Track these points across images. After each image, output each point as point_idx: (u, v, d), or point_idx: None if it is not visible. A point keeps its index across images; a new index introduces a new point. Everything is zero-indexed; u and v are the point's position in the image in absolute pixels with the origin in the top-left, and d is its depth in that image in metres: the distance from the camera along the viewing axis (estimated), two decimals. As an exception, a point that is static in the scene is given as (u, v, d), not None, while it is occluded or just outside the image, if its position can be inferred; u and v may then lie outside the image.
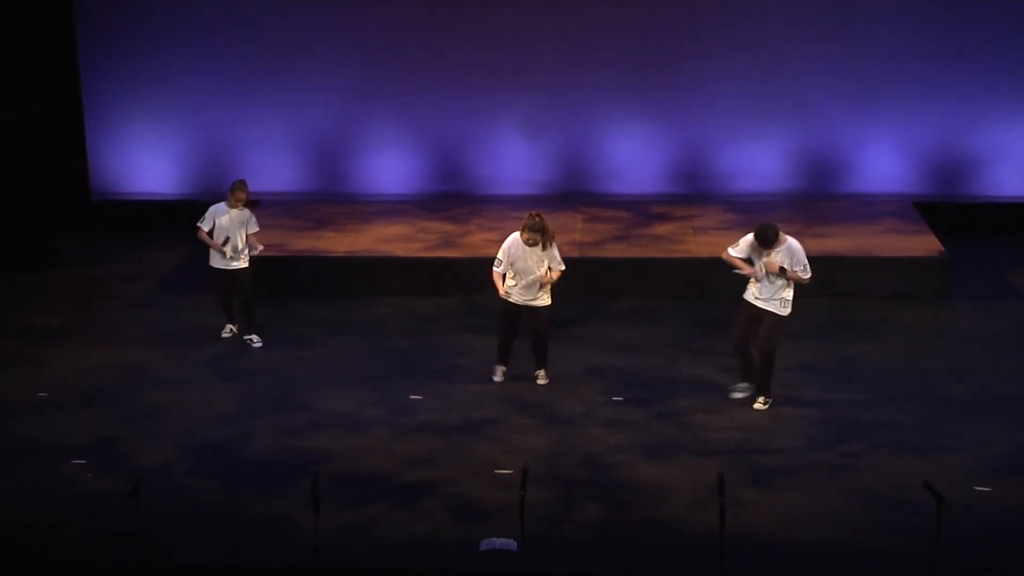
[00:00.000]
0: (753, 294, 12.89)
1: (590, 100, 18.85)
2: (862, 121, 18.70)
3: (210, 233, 14.55)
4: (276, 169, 19.20)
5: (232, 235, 14.57)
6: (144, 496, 10.14)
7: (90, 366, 14.31)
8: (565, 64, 18.72)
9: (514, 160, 19.11)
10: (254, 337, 14.73)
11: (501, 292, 13.37)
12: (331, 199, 18.99)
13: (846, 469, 11.78)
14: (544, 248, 13.24)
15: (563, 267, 13.37)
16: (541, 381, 13.66)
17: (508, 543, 10.33)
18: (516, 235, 13.29)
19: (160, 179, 19.29)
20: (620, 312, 15.82)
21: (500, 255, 13.37)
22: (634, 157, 19.00)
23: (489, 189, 19.06)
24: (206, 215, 14.60)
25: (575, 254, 16.13)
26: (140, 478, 10.28)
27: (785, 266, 12.62)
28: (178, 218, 17.97)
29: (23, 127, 18.08)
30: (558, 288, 13.50)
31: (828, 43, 18.50)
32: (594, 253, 16.62)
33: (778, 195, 18.65)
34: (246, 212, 14.65)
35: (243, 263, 14.67)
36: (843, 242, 16.80)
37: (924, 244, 16.67)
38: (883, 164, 18.77)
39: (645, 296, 16.21)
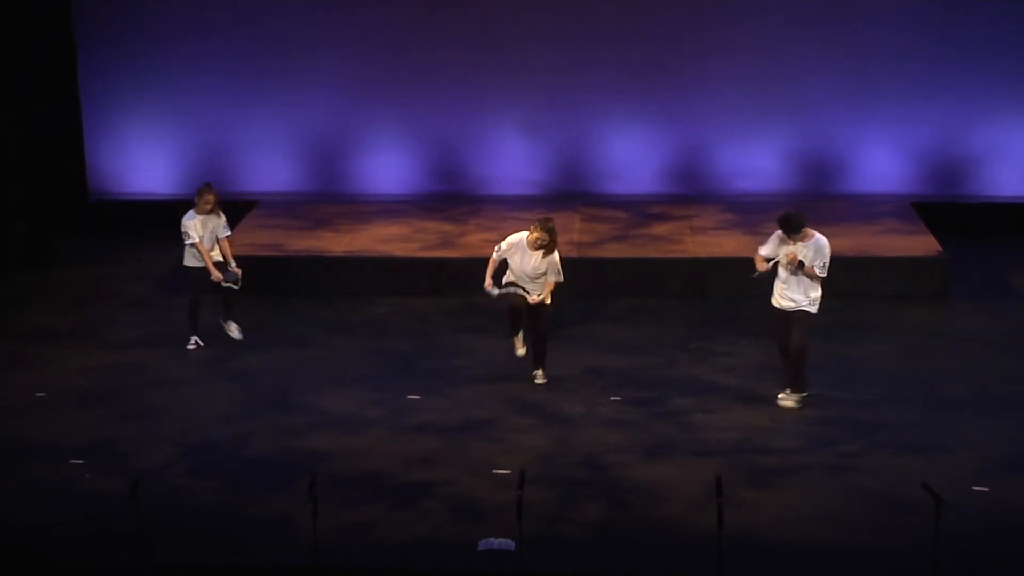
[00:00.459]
0: (780, 300, 12.85)
1: (588, 100, 18.85)
2: (861, 121, 18.70)
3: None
4: (274, 169, 19.20)
5: (205, 241, 14.46)
6: (143, 496, 10.14)
7: (89, 366, 14.31)
8: (563, 64, 18.72)
9: (512, 160, 19.10)
10: (233, 325, 14.69)
11: (487, 283, 13.28)
12: (330, 199, 18.99)
13: (845, 469, 11.78)
14: (546, 254, 13.21)
15: (561, 278, 13.34)
16: (539, 381, 13.66)
17: (507, 543, 10.33)
18: (523, 235, 13.27)
19: (159, 179, 19.27)
20: (619, 312, 15.82)
21: (503, 244, 13.34)
22: (632, 157, 18.99)
23: (487, 189, 19.06)
24: (186, 230, 14.39)
25: (573, 254, 16.13)
26: (139, 478, 10.28)
27: (806, 261, 12.60)
28: (177, 218, 17.97)
29: (22, 127, 18.07)
30: (557, 288, 13.49)
31: (827, 43, 18.49)
32: (592, 253, 16.63)
33: (777, 195, 18.63)
34: (219, 217, 14.54)
35: (219, 258, 14.62)
36: (842, 242, 16.73)
37: (923, 244, 16.68)
38: (882, 164, 18.77)
39: (644, 296, 16.21)
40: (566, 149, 19.07)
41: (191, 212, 14.50)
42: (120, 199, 19.32)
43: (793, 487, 11.49)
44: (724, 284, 16.19)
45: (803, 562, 10.34)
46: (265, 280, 16.36)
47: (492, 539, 10.37)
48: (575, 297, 15.47)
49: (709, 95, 18.72)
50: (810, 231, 12.70)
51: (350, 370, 14.15)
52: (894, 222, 17.55)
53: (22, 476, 11.83)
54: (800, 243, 12.66)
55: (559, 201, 18.40)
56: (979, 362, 14.17)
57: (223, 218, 14.63)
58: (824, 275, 12.70)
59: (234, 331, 14.77)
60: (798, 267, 12.63)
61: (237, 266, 14.61)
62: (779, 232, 12.74)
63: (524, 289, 13.33)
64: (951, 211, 18.32)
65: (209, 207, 14.46)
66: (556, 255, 13.29)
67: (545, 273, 13.26)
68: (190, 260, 14.59)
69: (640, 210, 18.21)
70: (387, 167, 19.20)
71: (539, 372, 13.69)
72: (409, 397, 13.39)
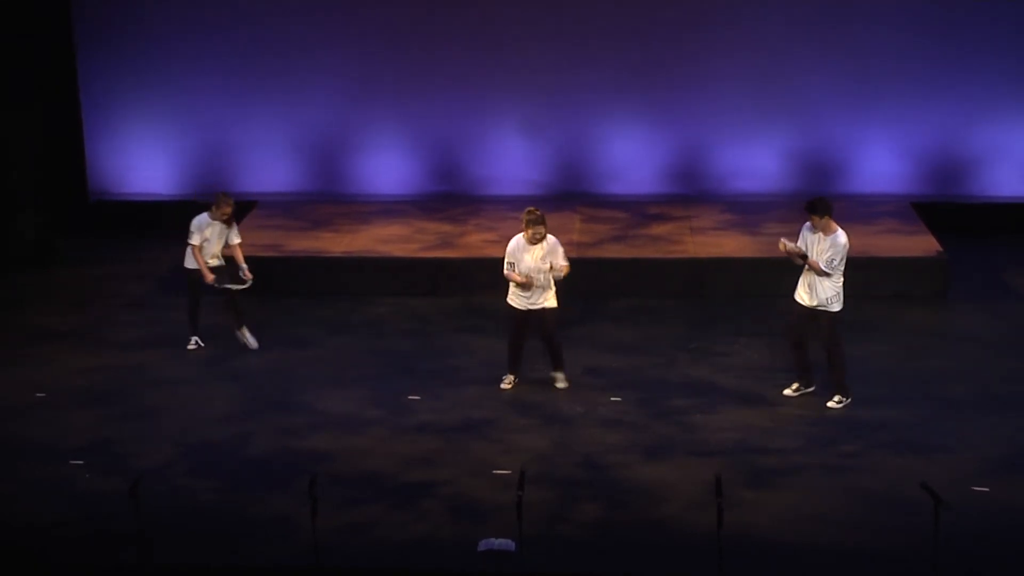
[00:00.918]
0: (803, 296, 12.89)
1: (588, 100, 18.85)
2: (861, 121, 18.70)
3: (201, 247, 14.48)
4: (274, 169, 19.20)
5: (213, 246, 14.47)
6: (143, 496, 10.13)
7: (89, 366, 14.31)
8: (563, 64, 18.72)
9: (512, 160, 19.10)
10: (248, 337, 14.67)
11: (520, 279, 13.24)
12: (329, 199, 18.99)
13: (845, 469, 11.78)
14: (544, 242, 13.16)
15: (567, 262, 13.31)
16: (560, 384, 13.57)
17: (507, 543, 10.33)
18: (517, 237, 13.25)
19: (158, 179, 19.28)
20: (619, 312, 15.82)
21: (507, 258, 13.28)
22: (632, 157, 19.00)
23: (487, 189, 19.06)
24: (193, 230, 14.42)
25: (573, 254, 16.06)
26: (139, 478, 10.27)
27: (824, 257, 12.63)
28: (177, 218, 17.96)
29: (22, 127, 18.06)
30: (558, 287, 13.48)
31: (827, 43, 18.49)
32: (592, 253, 16.62)
33: (777, 195, 18.64)
34: (231, 223, 14.56)
35: (220, 261, 14.59)
36: (842, 242, 16.79)
37: (923, 244, 16.68)
38: (882, 164, 18.77)
39: (643, 296, 16.21)
40: (566, 149, 19.07)
41: (205, 215, 14.47)
42: (120, 199, 19.33)
43: (793, 487, 11.49)
44: (724, 284, 16.20)
45: (803, 562, 10.35)
46: (265, 280, 16.34)
47: (492, 539, 10.37)
48: (575, 297, 15.45)
49: (709, 95, 18.72)
50: (834, 225, 12.77)
51: (350, 370, 14.15)
52: (894, 222, 17.55)
53: (22, 476, 11.84)
54: (821, 235, 12.70)
55: (559, 201, 18.39)
56: (979, 362, 14.17)
57: (234, 224, 14.61)
58: (830, 272, 12.71)
59: (250, 340, 14.69)
60: (802, 258, 12.67)
61: (248, 271, 14.56)
62: (807, 225, 12.80)
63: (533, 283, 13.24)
64: (951, 211, 18.32)
65: (225, 217, 14.45)
66: (557, 244, 13.24)
67: (551, 263, 13.20)
68: (190, 262, 14.57)
69: (640, 210, 18.21)
70: (387, 167, 19.20)
71: (559, 375, 13.60)
72: (409, 397, 13.39)
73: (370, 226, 17.79)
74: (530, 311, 13.32)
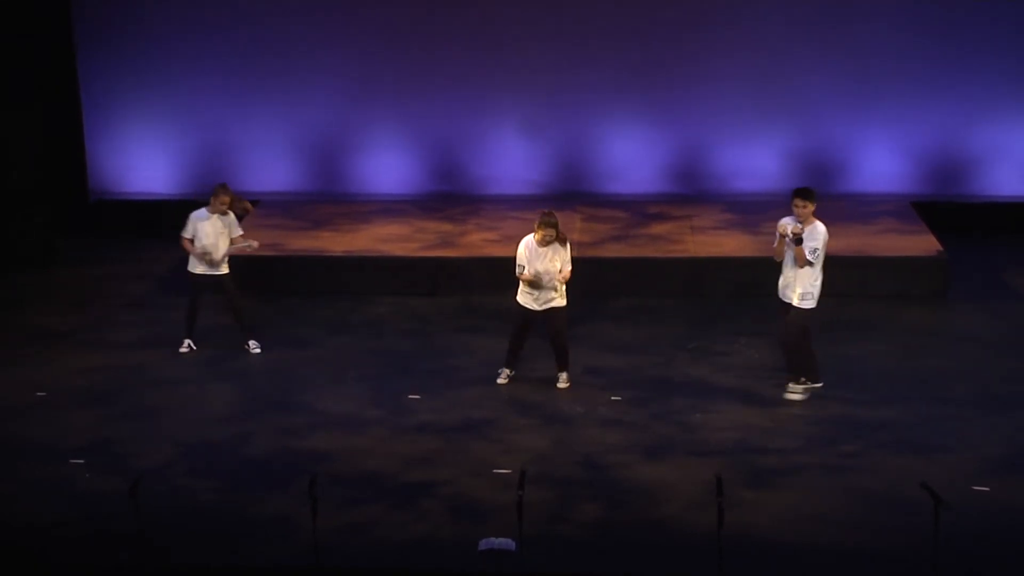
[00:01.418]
0: (781, 288, 12.99)
1: (588, 100, 18.86)
2: (861, 121, 18.71)
3: (192, 240, 14.48)
4: (274, 169, 19.22)
5: (215, 241, 14.40)
6: (143, 496, 10.13)
7: (89, 366, 14.31)
8: (563, 64, 18.73)
9: (512, 160, 19.11)
10: (251, 343, 14.65)
11: (528, 277, 13.19)
12: (329, 199, 19.00)
13: (845, 469, 11.78)
14: (558, 246, 13.20)
15: (568, 268, 13.33)
16: (561, 384, 13.58)
17: (507, 543, 10.33)
18: (528, 238, 13.27)
19: (158, 179, 19.29)
20: (618, 312, 15.83)
21: (519, 260, 13.28)
22: (632, 157, 19.00)
23: (487, 189, 19.07)
24: (187, 224, 14.42)
25: (573, 254, 16.08)
26: (139, 478, 10.28)
27: (809, 246, 12.69)
28: (177, 218, 17.95)
29: (22, 127, 18.07)
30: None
31: (827, 43, 18.50)
32: (592, 253, 16.62)
33: (776, 195, 18.59)
34: (228, 216, 14.50)
35: (225, 269, 14.53)
36: (841, 242, 16.75)
37: (923, 244, 16.68)
38: (881, 164, 18.78)
39: (643, 296, 16.22)
40: (566, 149, 19.07)
41: (203, 210, 14.46)
42: (120, 199, 19.34)
43: (793, 487, 11.49)
44: (724, 284, 16.21)
45: (803, 562, 10.35)
46: (265, 280, 16.38)
47: (492, 539, 10.37)
48: (575, 297, 15.44)
49: (709, 95, 18.73)
50: (814, 217, 12.83)
51: (350, 370, 14.15)
52: (894, 222, 17.55)
53: (22, 476, 11.83)
54: (805, 225, 12.78)
55: (559, 201, 18.38)
56: (979, 362, 14.17)
57: (231, 216, 14.55)
58: (813, 261, 12.72)
59: (254, 348, 14.66)
60: (795, 242, 12.69)
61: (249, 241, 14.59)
62: (783, 221, 12.84)
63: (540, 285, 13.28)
64: (951, 211, 18.33)
65: (224, 207, 14.41)
66: (567, 248, 13.27)
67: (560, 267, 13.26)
68: (192, 264, 14.54)
69: (640, 210, 18.21)
70: (387, 167, 19.21)
71: (563, 376, 13.62)
72: (409, 397, 13.39)
73: (370, 226, 17.79)
74: (541, 311, 13.35)
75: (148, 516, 10.37)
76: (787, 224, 12.80)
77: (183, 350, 14.65)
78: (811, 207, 12.80)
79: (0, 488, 11.63)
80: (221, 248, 14.43)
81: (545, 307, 13.33)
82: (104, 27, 18.98)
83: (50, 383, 13.85)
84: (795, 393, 13.12)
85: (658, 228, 17.51)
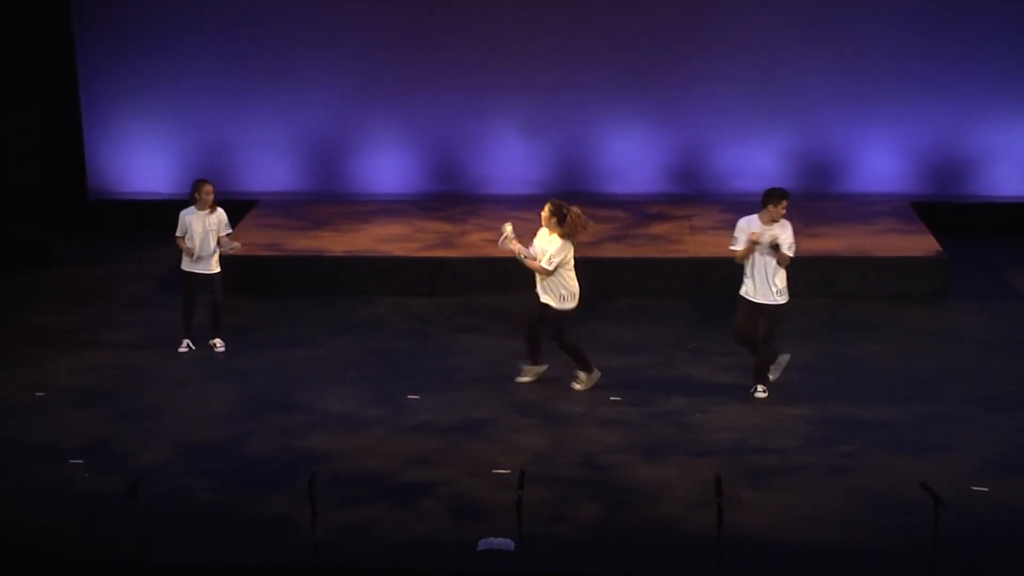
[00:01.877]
0: (748, 291, 13.00)
1: (588, 100, 18.85)
2: (860, 121, 18.70)
3: (185, 238, 14.45)
4: (274, 169, 19.21)
5: (204, 239, 14.39)
6: (143, 496, 10.14)
7: (89, 366, 14.31)
8: (563, 64, 18.73)
9: (512, 160, 19.11)
10: (217, 341, 14.63)
11: (535, 266, 13.29)
12: (329, 199, 18.99)
13: (844, 469, 11.78)
14: (554, 233, 13.20)
15: (548, 267, 13.29)
16: (577, 386, 13.53)
17: (506, 543, 10.33)
18: (752, 217, 13.33)
19: (159, 179, 19.28)
20: (618, 312, 15.82)
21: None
22: (631, 157, 19.00)
23: (487, 189, 19.06)
24: (179, 222, 14.43)
25: (576, 254, 16.11)
26: (139, 478, 10.28)
27: (786, 243, 12.77)
28: (177, 218, 17.97)
29: (21, 127, 18.07)
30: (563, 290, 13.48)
31: (827, 43, 18.50)
32: (592, 253, 16.56)
33: (776, 195, 18.63)
34: (218, 214, 14.47)
35: (217, 268, 14.53)
36: (841, 242, 16.81)
37: (922, 244, 16.68)
38: (881, 164, 18.78)
39: (643, 296, 16.21)
40: (566, 149, 19.07)
41: (191, 208, 14.47)
42: (120, 199, 19.33)
43: (792, 487, 11.49)
44: (724, 284, 16.16)
45: (803, 562, 10.34)
46: (265, 280, 16.37)
47: (492, 539, 10.38)
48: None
49: (709, 95, 18.73)
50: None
51: (350, 370, 14.15)
52: (893, 222, 17.55)
53: (22, 476, 11.83)
54: (775, 224, 12.93)
55: (559, 201, 18.39)
56: (979, 362, 14.16)
57: (220, 212, 14.52)
58: (792, 254, 12.88)
59: (219, 347, 14.66)
60: (774, 249, 12.74)
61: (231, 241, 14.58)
62: (742, 225, 12.99)
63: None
64: (951, 211, 18.33)
65: (211, 198, 14.40)
66: (555, 239, 13.25)
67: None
68: (185, 263, 14.55)
69: (640, 210, 18.21)
70: (387, 167, 19.20)
71: (579, 375, 13.55)
72: (408, 397, 13.39)
73: (370, 225, 17.79)
74: (544, 305, 13.38)
75: (147, 516, 10.37)
76: (763, 233, 12.86)
77: (182, 350, 14.66)
78: (777, 214, 13.00)
79: (0, 488, 11.62)
80: (208, 245, 14.43)
81: (544, 302, 13.35)
82: (104, 27, 18.97)
83: (50, 383, 13.85)
84: (764, 393, 13.12)
85: (658, 228, 17.51)
